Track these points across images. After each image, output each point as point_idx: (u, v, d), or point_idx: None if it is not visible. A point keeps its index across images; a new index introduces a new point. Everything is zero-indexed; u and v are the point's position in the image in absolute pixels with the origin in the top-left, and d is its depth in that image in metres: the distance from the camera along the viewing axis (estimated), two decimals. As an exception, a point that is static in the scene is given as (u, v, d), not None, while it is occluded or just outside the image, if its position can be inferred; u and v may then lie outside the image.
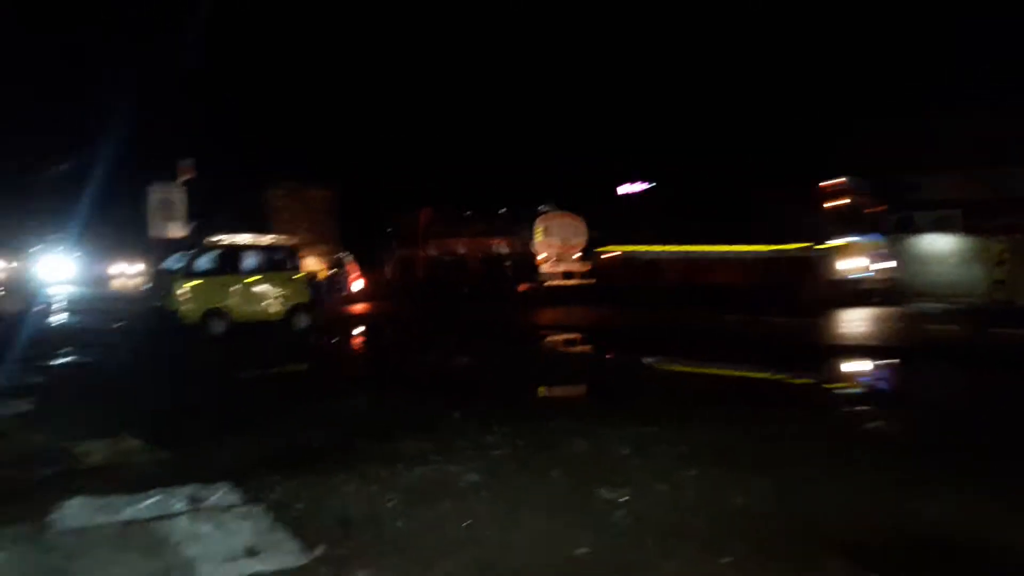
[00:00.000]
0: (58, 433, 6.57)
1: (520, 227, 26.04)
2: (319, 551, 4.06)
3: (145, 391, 9.11)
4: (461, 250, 28.21)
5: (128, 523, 4.37)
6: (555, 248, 25.45)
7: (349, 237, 19.63)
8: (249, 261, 15.77)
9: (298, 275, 16.17)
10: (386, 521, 4.52)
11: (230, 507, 4.65)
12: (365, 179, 33.67)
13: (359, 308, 21.41)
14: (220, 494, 4.86)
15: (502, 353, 13.26)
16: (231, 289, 15.10)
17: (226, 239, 15.89)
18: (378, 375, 11.16)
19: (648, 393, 9.00)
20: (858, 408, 8.17)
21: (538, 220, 25.44)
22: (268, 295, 15.56)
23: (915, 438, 6.70)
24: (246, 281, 15.43)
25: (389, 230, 30.76)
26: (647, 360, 11.12)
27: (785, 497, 5.00)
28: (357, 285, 20.68)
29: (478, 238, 27.71)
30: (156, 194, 30.26)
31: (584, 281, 24.99)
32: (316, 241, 26.25)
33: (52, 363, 11.12)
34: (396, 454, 5.88)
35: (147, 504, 4.63)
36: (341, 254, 22.06)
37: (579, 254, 25.48)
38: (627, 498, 4.90)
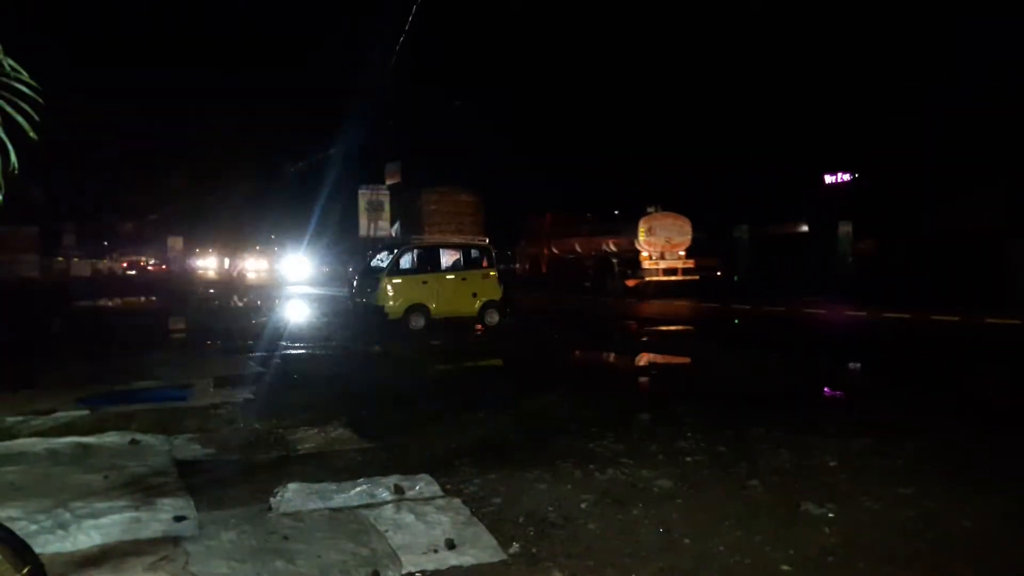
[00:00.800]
0: (277, 421, 7.15)
1: (628, 227, 28.57)
2: (514, 548, 4.11)
3: (354, 382, 9.72)
4: (578, 248, 31.83)
5: (339, 509, 4.65)
6: (658, 247, 27.85)
7: (492, 237, 20.59)
8: (447, 260, 16.48)
9: (492, 273, 16.66)
10: (580, 522, 4.50)
11: (431, 498, 4.84)
12: (504, 184, 35.92)
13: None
14: (421, 485, 5.07)
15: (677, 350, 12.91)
16: (431, 286, 15.84)
17: (427, 239, 16.70)
18: (565, 371, 11.21)
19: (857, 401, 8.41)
20: None
21: (642, 220, 27.81)
22: (464, 292, 16.15)
23: None
24: (445, 278, 16.14)
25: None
26: (853, 366, 10.35)
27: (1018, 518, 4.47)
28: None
29: (592, 237, 30.99)
30: (366, 196, 32.44)
31: (687, 278, 27.88)
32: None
33: (271, 354, 12.15)
34: (588, 454, 5.86)
35: (355, 492, 4.92)
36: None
37: (683, 252, 28.11)
38: (833, 515, 4.57)
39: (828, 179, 35.79)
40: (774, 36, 36.40)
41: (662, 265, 27.77)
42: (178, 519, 4.52)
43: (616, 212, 31.47)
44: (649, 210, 28.15)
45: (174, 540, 4.21)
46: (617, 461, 5.68)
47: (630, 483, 5.19)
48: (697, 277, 28.09)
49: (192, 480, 5.32)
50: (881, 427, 6.71)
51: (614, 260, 29.44)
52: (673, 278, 27.63)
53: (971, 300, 19.62)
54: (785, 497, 4.90)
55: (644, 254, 27.72)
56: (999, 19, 27.80)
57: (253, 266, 51.99)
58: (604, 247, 30.14)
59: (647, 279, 27.48)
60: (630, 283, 27.90)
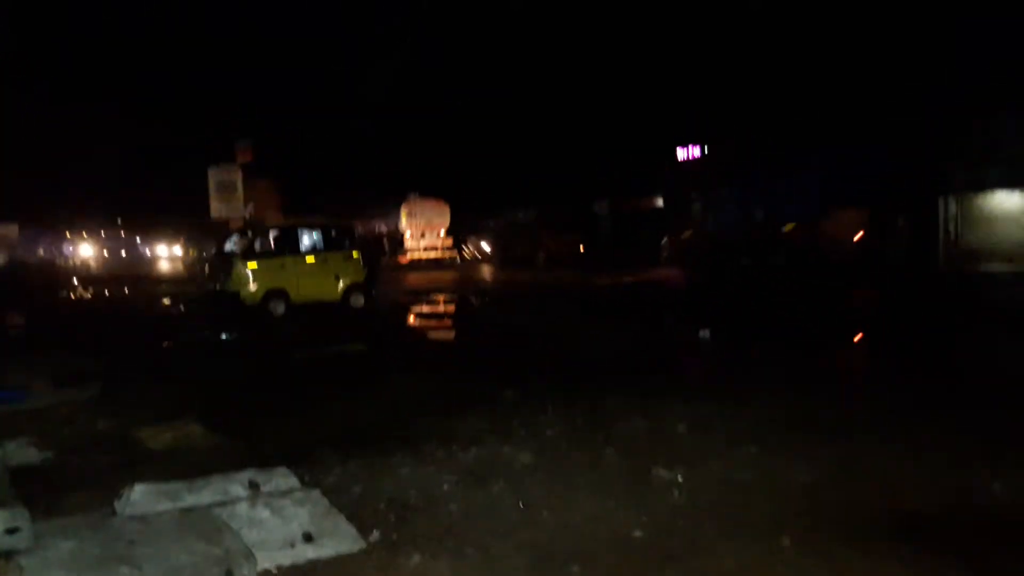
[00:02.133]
0: (122, 418, 6.76)
1: (395, 211, 35.07)
2: (374, 536, 4.08)
3: (206, 373, 9.32)
4: (360, 230, 34.22)
5: (189, 509, 4.45)
6: (419, 228, 33.50)
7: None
8: (306, 242, 15.98)
9: (355, 255, 16.32)
10: (441, 504, 4.52)
11: (288, 491, 4.71)
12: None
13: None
14: (278, 478, 4.92)
15: (551, 327, 13.21)
16: (289, 269, 15.33)
17: (284, 220, 16.15)
18: (434, 354, 11.22)
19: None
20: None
21: (403, 205, 34.17)
22: (326, 275, 15.75)
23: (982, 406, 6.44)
24: (305, 261, 15.65)
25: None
26: (702, 333, 10.91)
27: (848, 471, 4.87)
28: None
29: (369, 220, 36.82)
30: (216, 175, 30.93)
31: (447, 255, 33.74)
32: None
33: (118, 349, 11.46)
34: (451, 434, 5.89)
35: (207, 490, 4.71)
36: None
37: (443, 232, 33.56)
38: (682, 478, 4.81)
39: (681, 154, 37.25)
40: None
41: (423, 244, 33.27)
42: (10, 531, 4.17)
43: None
44: (410, 196, 33.30)
45: (6, 555, 3.90)
46: (480, 439, 5.73)
47: (492, 461, 5.25)
48: (455, 254, 33.90)
49: (26, 488, 4.92)
50: (725, 392, 7.12)
51: (385, 240, 34.38)
52: (433, 255, 33.06)
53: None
54: (638, 463, 5.11)
55: (407, 234, 33.33)
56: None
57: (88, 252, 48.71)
58: (377, 228, 36.86)
59: (411, 256, 32.70)
60: (402, 260, 32.47)
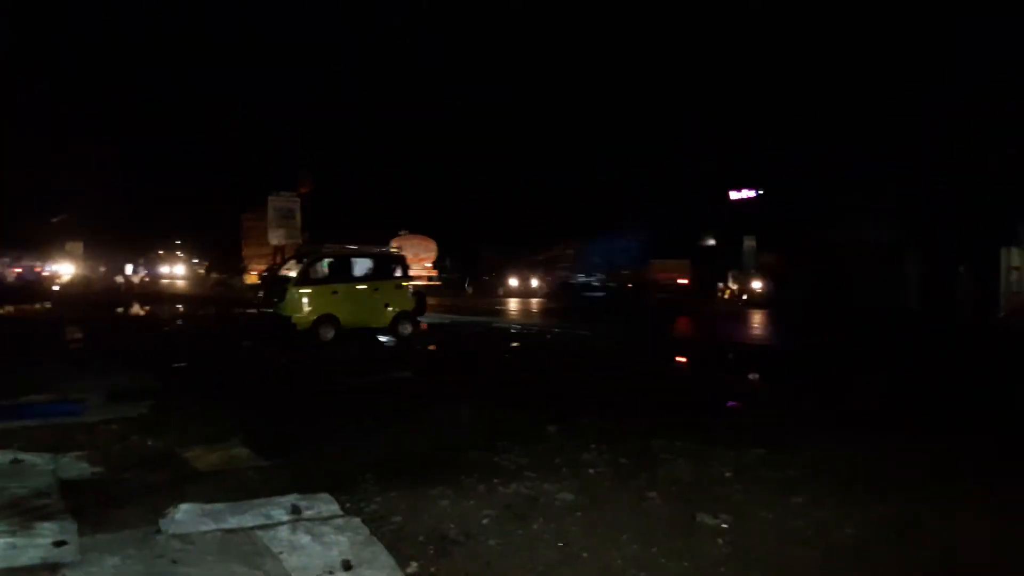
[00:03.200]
0: (171, 436, 6.88)
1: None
2: (412, 568, 4.06)
3: (256, 396, 9.45)
4: None
5: (232, 531, 4.50)
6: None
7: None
8: (359, 269, 16.21)
9: (404, 283, 16.49)
10: (480, 539, 4.49)
11: (329, 518, 4.73)
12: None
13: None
14: (320, 504, 4.95)
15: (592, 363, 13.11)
16: (341, 296, 15.54)
17: (338, 247, 16.40)
18: (479, 384, 11.19)
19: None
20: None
21: (392, 240, 30.42)
22: (376, 302, 15.93)
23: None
24: (356, 288, 15.87)
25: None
26: (752, 376, 10.71)
27: (904, 528, 4.69)
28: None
29: None
30: (276, 203, 31.71)
31: (432, 283, 31.71)
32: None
33: (171, 367, 11.71)
34: (493, 468, 5.86)
35: (250, 512, 4.76)
36: None
37: (429, 264, 32.25)
38: (727, 525, 4.70)
39: (733, 195, 37.12)
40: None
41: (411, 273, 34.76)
42: (58, 544, 4.29)
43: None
44: (400, 233, 32.43)
45: (52, 567, 3.99)
46: (521, 475, 5.69)
47: (532, 497, 5.20)
48: (439, 283, 33.03)
49: (76, 501, 5.05)
50: (773, 438, 6.95)
51: None
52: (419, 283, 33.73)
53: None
54: (682, 508, 5.00)
55: None
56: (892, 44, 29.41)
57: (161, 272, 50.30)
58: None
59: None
60: None
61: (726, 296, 31.17)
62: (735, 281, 31.92)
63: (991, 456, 6.62)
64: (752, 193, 36.59)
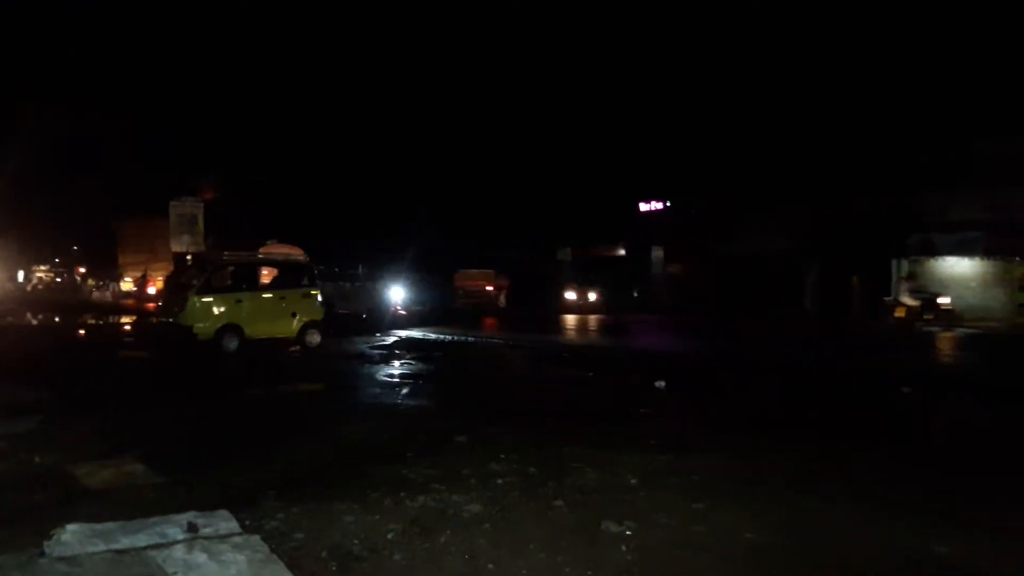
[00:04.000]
0: (60, 453, 6.53)
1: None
2: (314, 586, 3.97)
3: (153, 409, 9.07)
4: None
5: (123, 551, 4.28)
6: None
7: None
8: (264, 277, 15.80)
9: (312, 292, 16.17)
10: (385, 554, 4.42)
11: (228, 536, 4.57)
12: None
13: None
14: (218, 522, 4.78)
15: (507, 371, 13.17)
16: (246, 305, 15.10)
17: (242, 255, 15.94)
18: (389, 395, 11.07)
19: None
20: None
21: (260, 249, 33.39)
22: (282, 312, 15.56)
23: (933, 463, 6.52)
24: (262, 297, 15.45)
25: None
26: (659, 384, 10.96)
27: (799, 531, 4.87)
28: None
29: None
30: (177, 208, 30.66)
31: None
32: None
33: (63, 379, 11.12)
34: (401, 481, 5.78)
35: (144, 531, 4.55)
36: None
37: None
38: (631, 532, 4.77)
39: (643, 207, 38.03)
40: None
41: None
42: (-71, 572, 4.00)
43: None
44: (268, 242, 32.87)
45: (-79, 597, 3.72)
46: (429, 487, 5.64)
47: (440, 510, 5.16)
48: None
49: (-48, 526, 4.73)
50: (680, 444, 7.12)
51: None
52: None
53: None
54: (589, 516, 5.06)
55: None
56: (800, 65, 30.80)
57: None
58: None
59: None
60: None
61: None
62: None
63: (884, 457, 6.95)
64: (660, 205, 37.55)
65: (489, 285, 34.28)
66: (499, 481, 5.85)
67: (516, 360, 15.43)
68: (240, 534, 4.61)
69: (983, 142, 24.72)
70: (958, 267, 25.95)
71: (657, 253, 36.32)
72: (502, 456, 6.53)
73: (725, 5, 37.69)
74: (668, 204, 37.29)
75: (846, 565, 4.35)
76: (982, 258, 25.28)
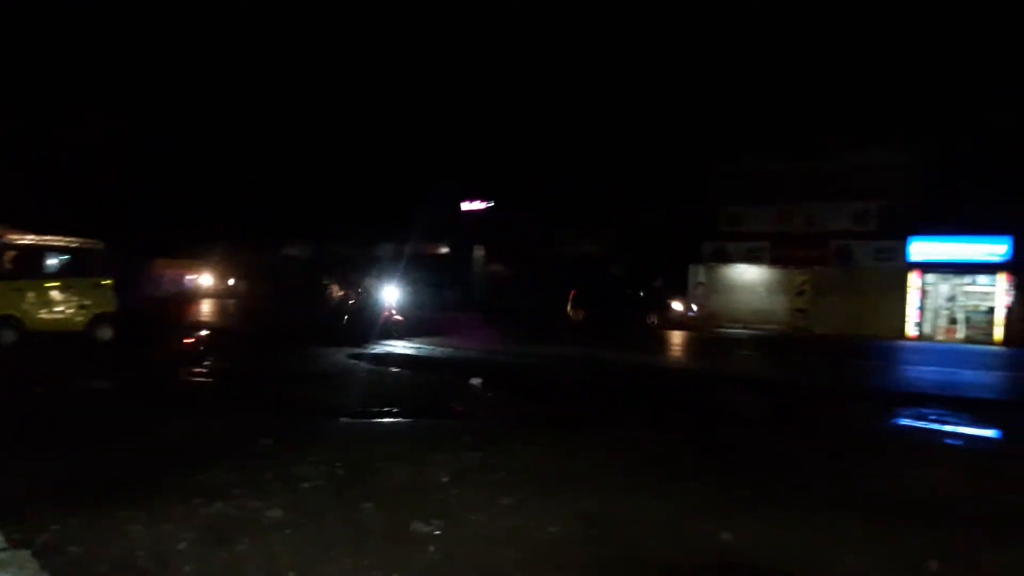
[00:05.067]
0: None
1: None
2: (89, 605, 3.62)
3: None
4: None
5: None
6: None
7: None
8: (49, 264, 14.36)
9: (105, 282, 14.88)
10: (175, 565, 4.11)
11: (-11, 553, 4.07)
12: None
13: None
14: (-21, 537, 4.25)
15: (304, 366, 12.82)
16: (26, 294, 13.66)
17: (24, 238, 14.41)
18: (186, 394, 10.41)
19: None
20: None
21: None
22: (70, 302, 14.21)
23: (721, 456, 7.01)
24: (45, 286, 14.03)
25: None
26: (474, 381, 11.07)
27: (600, 522, 5.05)
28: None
29: None
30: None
31: None
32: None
33: None
34: (194, 487, 5.42)
35: None
36: None
37: None
38: (440, 531, 4.76)
39: (465, 206, 38.42)
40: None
41: None
42: None
43: None
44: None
45: None
46: (227, 493, 5.33)
47: (238, 516, 4.88)
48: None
49: None
50: (491, 441, 7.21)
51: None
52: None
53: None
54: (397, 517, 4.98)
55: None
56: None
57: None
58: None
59: None
60: None
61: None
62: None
63: (684, 450, 7.39)
64: (483, 204, 38.07)
65: (189, 274, 33.96)
66: (304, 484, 5.64)
67: (323, 356, 15.03)
68: (6, 549, 4.13)
69: (772, 161, 27.12)
70: (747, 274, 28.29)
71: (478, 252, 36.81)
72: (309, 458, 6.31)
73: (530, 20, 38.71)
74: (491, 204, 37.90)
75: (639, 552, 4.55)
76: (768, 266, 27.69)
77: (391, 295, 19.19)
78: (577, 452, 7.09)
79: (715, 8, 35.85)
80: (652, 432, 8.32)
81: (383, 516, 5.04)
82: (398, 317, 18.67)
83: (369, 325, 17.69)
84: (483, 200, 38.27)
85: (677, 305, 26.89)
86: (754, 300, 27.99)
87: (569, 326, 25.89)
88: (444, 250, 39.95)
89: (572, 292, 27.97)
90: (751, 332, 24.49)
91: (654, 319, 26.39)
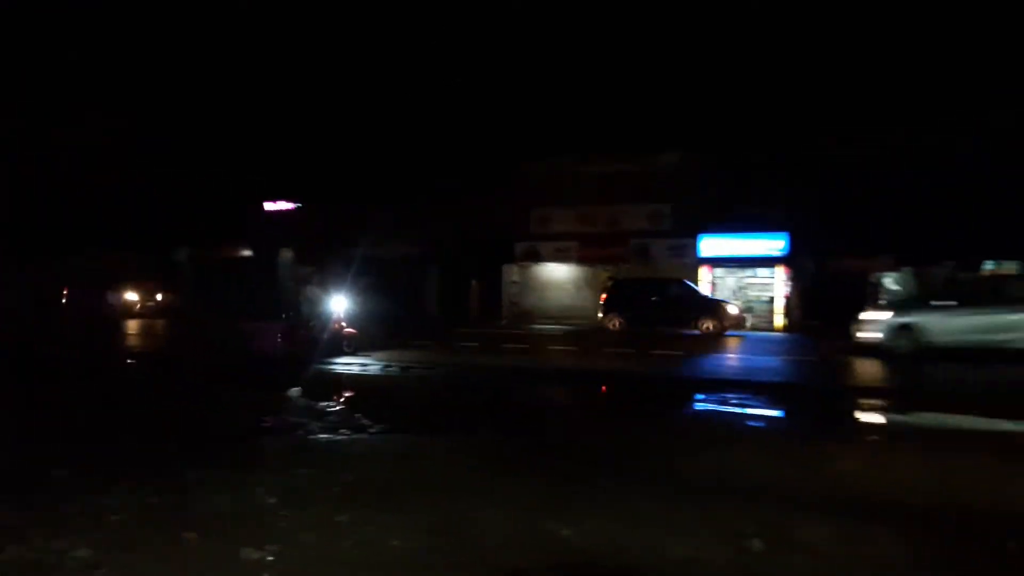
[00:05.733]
0: None
1: None
2: None
3: None
4: None
5: None
6: None
7: None
8: None
9: None
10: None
11: None
12: None
13: None
14: None
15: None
16: None
17: None
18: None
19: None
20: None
21: None
22: None
23: (554, 452, 7.14)
24: None
25: None
26: (292, 391, 10.59)
27: (443, 531, 4.96)
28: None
29: None
30: None
31: None
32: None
33: None
34: (-21, 531, 4.73)
35: None
36: None
37: None
38: (273, 556, 4.45)
39: (269, 206, 36.76)
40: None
41: None
42: None
43: None
44: None
45: None
46: (21, 534, 4.69)
47: (37, 560, 4.31)
48: None
49: None
50: (319, 457, 6.91)
51: None
52: None
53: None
54: (224, 545, 4.61)
55: None
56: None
57: None
58: None
59: None
60: None
61: None
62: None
63: (517, 452, 7.44)
64: (290, 205, 36.60)
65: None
66: (113, 517, 5.09)
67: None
68: None
69: (577, 164, 28.30)
70: (557, 272, 29.32)
71: (285, 254, 35.30)
72: (113, 488, 5.71)
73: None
74: (298, 205, 36.52)
75: (485, 557, 4.51)
76: (576, 264, 28.86)
77: (340, 304, 16.93)
78: (419, 461, 6.95)
79: (532, 9, 36.69)
80: (488, 432, 8.34)
81: (208, 545, 4.65)
82: (350, 330, 16.47)
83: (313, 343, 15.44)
84: (289, 200, 36.79)
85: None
86: (564, 297, 29.02)
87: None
88: (246, 253, 38.00)
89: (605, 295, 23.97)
90: (563, 327, 25.33)
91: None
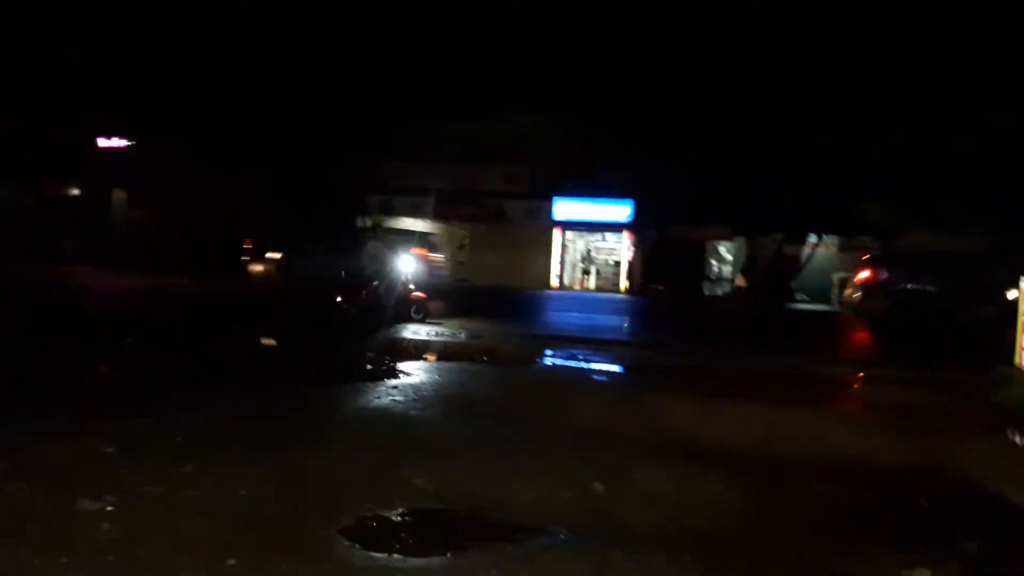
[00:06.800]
0: None
1: None
2: None
3: None
4: None
5: None
6: None
7: None
8: None
9: None
10: None
11: None
12: None
13: None
14: None
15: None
16: None
17: None
18: None
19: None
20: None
21: None
22: None
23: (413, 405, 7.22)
24: None
25: None
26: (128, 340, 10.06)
27: (289, 480, 4.94)
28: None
29: None
30: None
31: None
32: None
33: None
34: None
35: None
36: None
37: None
38: (113, 507, 4.28)
39: (103, 143, 33.98)
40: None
41: None
42: None
43: None
44: None
45: None
46: None
47: None
48: None
49: None
50: (160, 406, 6.65)
51: None
52: None
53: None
54: (59, 496, 4.38)
55: None
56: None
57: None
58: None
59: None
60: None
61: None
62: None
63: (369, 408, 7.44)
64: (124, 142, 33.90)
65: None
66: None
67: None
68: None
69: (437, 120, 28.04)
70: (414, 227, 29.18)
71: (119, 196, 32.86)
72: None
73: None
74: (134, 142, 33.86)
75: (337, 504, 4.54)
76: (432, 221, 28.81)
77: (408, 265, 14.95)
78: (259, 414, 6.81)
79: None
80: (331, 387, 8.30)
81: (39, 497, 4.40)
82: (418, 294, 14.66)
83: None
84: (124, 137, 34.04)
85: None
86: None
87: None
88: (75, 192, 34.95)
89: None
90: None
91: None
